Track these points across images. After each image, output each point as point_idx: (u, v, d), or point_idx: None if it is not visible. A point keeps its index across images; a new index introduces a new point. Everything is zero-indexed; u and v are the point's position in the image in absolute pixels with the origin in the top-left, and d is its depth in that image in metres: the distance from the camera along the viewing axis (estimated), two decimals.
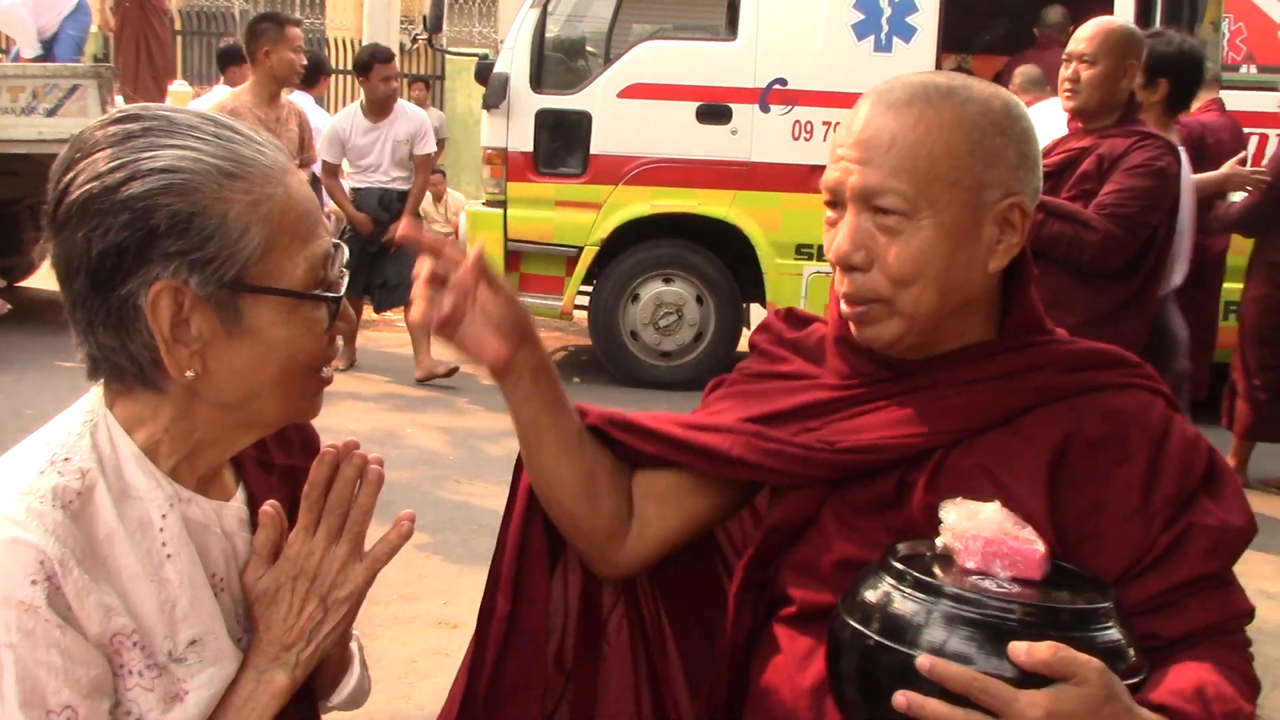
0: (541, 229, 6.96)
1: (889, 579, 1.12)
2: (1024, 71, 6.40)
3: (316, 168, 6.54)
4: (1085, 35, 3.46)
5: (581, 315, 7.36)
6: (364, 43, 10.09)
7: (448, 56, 11.66)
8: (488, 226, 6.99)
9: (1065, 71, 3.47)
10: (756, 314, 7.85)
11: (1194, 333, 5.68)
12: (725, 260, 7.00)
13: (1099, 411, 1.26)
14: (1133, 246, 3.39)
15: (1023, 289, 1.32)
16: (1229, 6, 6.64)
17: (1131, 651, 1.10)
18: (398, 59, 10.11)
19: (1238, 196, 5.29)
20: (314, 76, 8.63)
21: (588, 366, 7.54)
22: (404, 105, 7.05)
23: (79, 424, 1.08)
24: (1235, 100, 6.07)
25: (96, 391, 1.11)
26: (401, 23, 10.78)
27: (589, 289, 7.19)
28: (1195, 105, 5.68)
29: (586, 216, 6.90)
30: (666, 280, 7.01)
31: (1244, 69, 6.47)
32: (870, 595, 1.12)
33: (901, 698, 1.03)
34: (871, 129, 1.24)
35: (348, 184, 7.03)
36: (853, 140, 1.25)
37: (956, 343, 1.31)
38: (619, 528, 1.37)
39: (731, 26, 7.02)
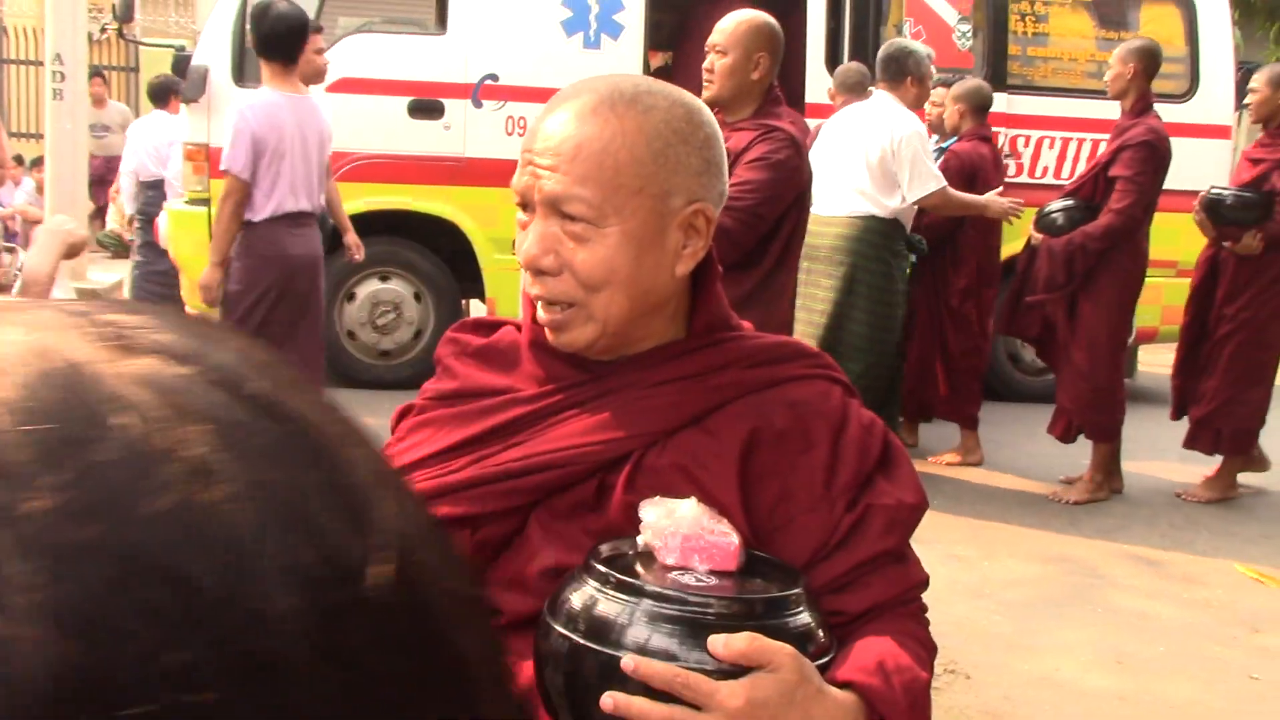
0: None
1: (592, 582, 1.14)
2: (844, 71, 6.15)
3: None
4: (720, 27, 3.49)
5: None
6: (47, 32, 9.39)
7: (141, 48, 11.04)
8: (192, 226, 6.68)
9: (705, 63, 3.48)
10: (477, 309, 7.83)
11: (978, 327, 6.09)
12: (443, 256, 6.95)
13: (783, 404, 1.32)
14: (748, 239, 3.36)
15: (708, 289, 1.36)
16: (909, 10, 7.10)
17: (821, 633, 1.17)
18: (85, 51, 9.49)
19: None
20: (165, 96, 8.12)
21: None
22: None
23: None
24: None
25: None
26: (90, 11, 10.10)
27: None
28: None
29: None
30: (383, 278, 6.90)
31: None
32: (575, 599, 1.14)
33: (609, 699, 1.06)
34: (558, 136, 1.26)
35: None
36: (539, 147, 1.27)
37: (648, 343, 1.34)
38: None
39: (441, 21, 6.97)
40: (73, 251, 3.80)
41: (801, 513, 1.28)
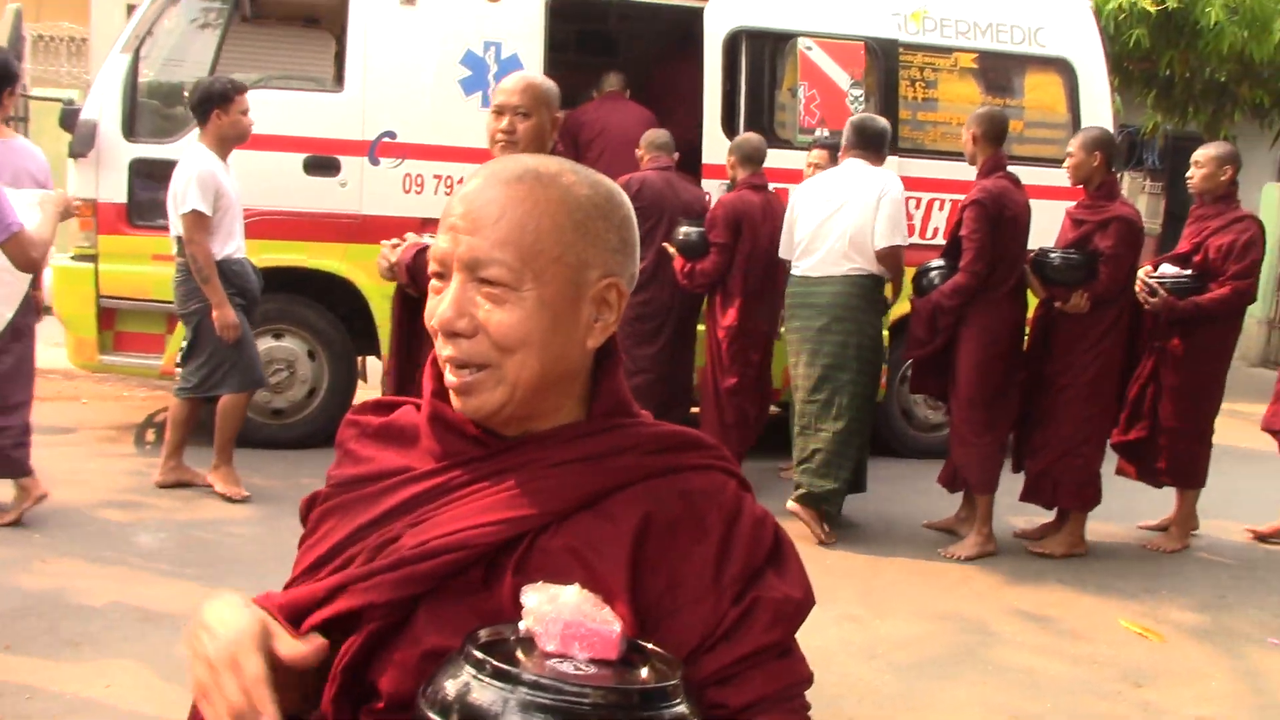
0: (138, 284, 6.57)
1: (469, 668, 1.12)
2: (744, 142, 6.55)
3: None
4: (516, 88, 3.52)
5: None
6: None
7: (29, 100, 10.79)
8: (77, 282, 6.52)
9: (499, 124, 3.50)
10: (372, 366, 7.75)
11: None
12: (338, 314, 6.88)
13: (678, 492, 1.31)
14: None
15: (610, 373, 1.38)
16: (803, 74, 7.26)
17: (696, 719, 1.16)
18: None
19: None
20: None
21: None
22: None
23: None
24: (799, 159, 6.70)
25: None
26: None
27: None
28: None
29: None
30: (277, 335, 6.79)
31: (819, 132, 7.07)
32: (449, 686, 1.12)
33: None
34: (481, 201, 1.27)
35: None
36: (462, 211, 1.28)
37: (549, 422, 1.34)
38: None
39: (339, 78, 6.94)
40: (67, 214, 4.87)
41: (689, 602, 1.27)
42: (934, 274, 5.72)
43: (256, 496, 5.79)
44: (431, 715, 1.10)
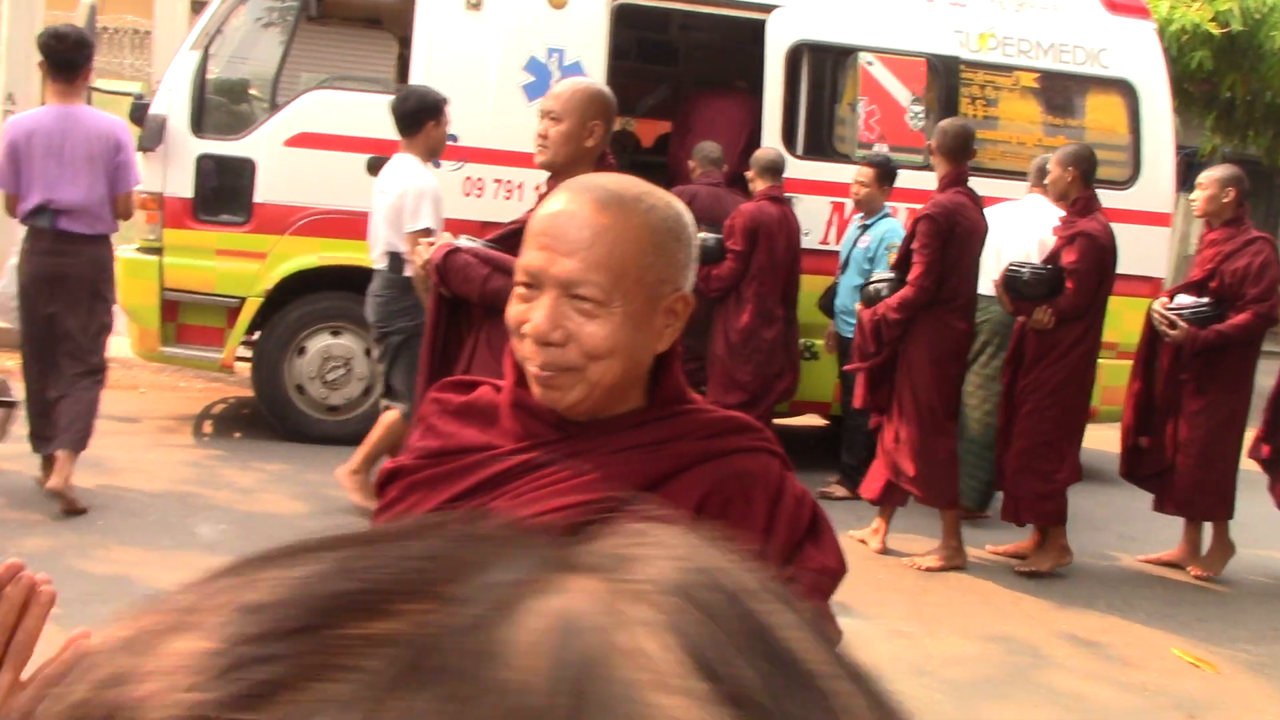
0: (201, 278, 6.68)
1: None
2: (702, 149, 6.84)
3: None
4: (555, 94, 3.53)
5: (244, 367, 7.10)
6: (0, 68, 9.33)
7: (95, 92, 10.97)
8: (142, 274, 6.63)
9: (538, 128, 3.50)
10: None
11: None
12: None
13: (730, 474, 1.47)
14: None
15: (670, 365, 1.52)
16: (863, 90, 7.26)
17: None
18: (39, 90, 9.42)
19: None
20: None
21: (250, 421, 7.26)
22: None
23: None
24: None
25: None
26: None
27: (254, 340, 6.94)
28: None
29: (250, 266, 6.68)
30: (335, 333, 6.88)
31: (876, 147, 7.08)
32: None
33: None
34: (573, 225, 1.40)
35: None
36: (556, 232, 1.41)
37: (617, 409, 1.48)
38: None
39: (402, 80, 7.01)
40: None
41: None
42: (881, 285, 5.73)
43: (311, 491, 5.87)
44: None
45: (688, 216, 1.49)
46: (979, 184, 7.37)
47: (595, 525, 0.41)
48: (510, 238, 3.56)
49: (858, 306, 5.94)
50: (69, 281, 5.21)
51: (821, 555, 1.46)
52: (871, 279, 5.89)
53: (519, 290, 1.44)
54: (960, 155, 5.72)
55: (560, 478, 1.44)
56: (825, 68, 7.35)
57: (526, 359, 1.43)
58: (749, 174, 6.77)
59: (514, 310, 1.44)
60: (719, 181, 6.95)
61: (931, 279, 5.51)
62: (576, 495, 1.41)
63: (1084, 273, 5.55)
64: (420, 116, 5.50)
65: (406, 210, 5.39)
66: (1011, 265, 5.72)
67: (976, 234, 5.64)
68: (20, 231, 5.43)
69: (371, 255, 5.68)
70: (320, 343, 6.84)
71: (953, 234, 5.54)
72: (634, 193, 1.44)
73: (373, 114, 6.81)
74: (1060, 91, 7.76)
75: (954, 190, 5.64)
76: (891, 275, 5.76)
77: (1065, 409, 5.69)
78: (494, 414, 1.53)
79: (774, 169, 6.66)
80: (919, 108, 7.32)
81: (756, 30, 7.28)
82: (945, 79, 7.43)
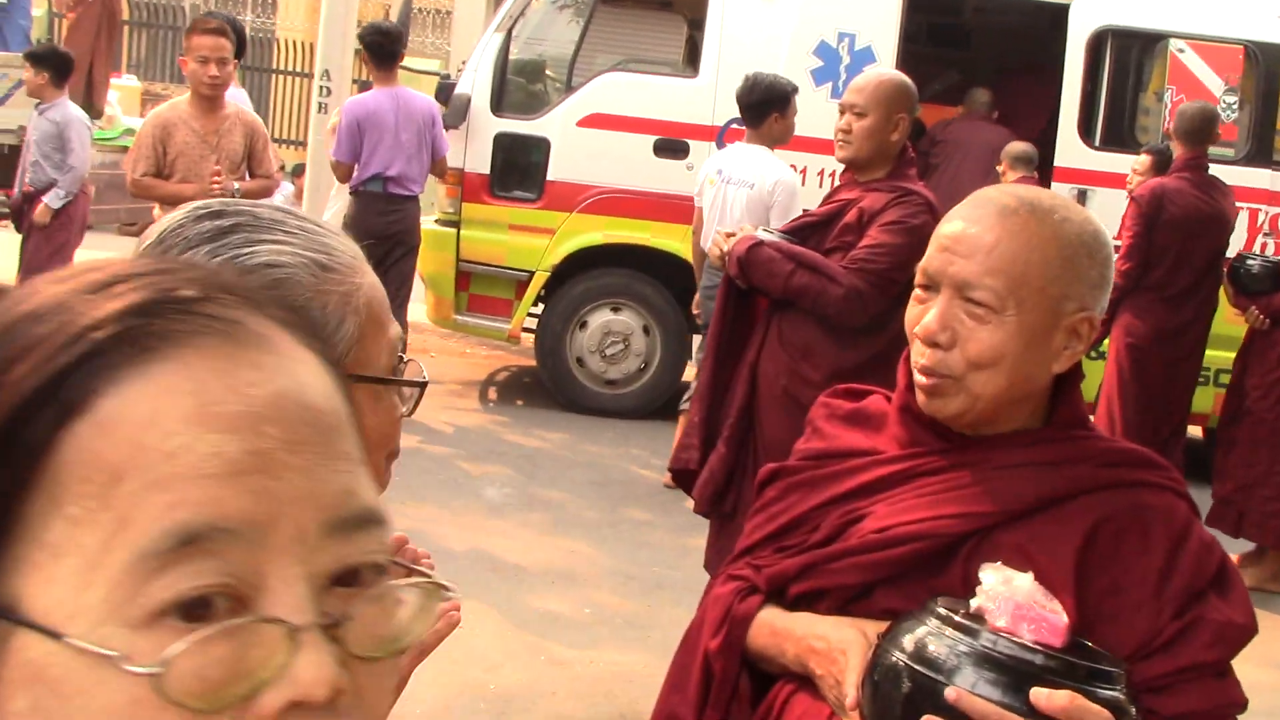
0: (493, 251, 7.00)
1: (933, 620, 1.25)
2: (1012, 150, 6.82)
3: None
4: (858, 86, 3.43)
5: (528, 338, 7.41)
6: (318, 45, 9.99)
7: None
8: (440, 245, 7.01)
9: (839, 122, 3.41)
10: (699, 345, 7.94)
11: None
12: (674, 293, 7.09)
13: (1129, 506, 1.39)
14: (878, 303, 3.28)
15: (1072, 388, 1.46)
16: (1171, 78, 6.88)
17: (1134, 711, 1.23)
18: (351, 67, 10.05)
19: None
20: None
21: (531, 389, 7.58)
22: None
23: None
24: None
25: None
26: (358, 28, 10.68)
27: (537, 312, 7.24)
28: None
29: (539, 242, 6.95)
30: (615, 309, 7.08)
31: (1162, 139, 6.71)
32: (912, 631, 1.25)
33: (952, 691, 1.17)
34: (979, 228, 1.39)
35: None
36: (960, 234, 1.39)
37: (1009, 426, 1.44)
38: None
39: (693, 63, 7.12)
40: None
41: (1128, 610, 1.34)
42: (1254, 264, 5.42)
43: (588, 462, 6.08)
44: (894, 651, 1.24)
45: (1105, 236, 1.44)
46: None
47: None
48: (802, 229, 3.56)
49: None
50: (395, 236, 6.11)
51: (1229, 609, 1.36)
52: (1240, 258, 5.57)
53: (916, 292, 1.44)
54: (1196, 140, 5.47)
55: (942, 487, 1.42)
56: (1130, 54, 7.03)
57: (915, 361, 1.42)
58: (1000, 166, 6.70)
59: (910, 311, 1.44)
60: (1035, 181, 6.76)
61: (1133, 263, 5.30)
62: (956, 506, 1.39)
63: None
64: (765, 109, 5.48)
65: (777, 206, 5.39)
66: (1240, 255, 5.41)
67: (1196, 221, 5.34)
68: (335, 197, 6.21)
69: (704, 245, 5.56)
70: (601, 318, 7.05)
71: (1158, 219, 5.31)
72: (1048, 204, 1.41)
73: (662, 96, 6.97)
74: None
75: (1178, 175, 5.41)
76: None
77: None
78: (882, 420, 1.52)
79: (1027, 160, 6.61)
80: (1233, 98, 6.88)
81: (1057, 14, 7.01)
82: (1265, 66, 6.94)
